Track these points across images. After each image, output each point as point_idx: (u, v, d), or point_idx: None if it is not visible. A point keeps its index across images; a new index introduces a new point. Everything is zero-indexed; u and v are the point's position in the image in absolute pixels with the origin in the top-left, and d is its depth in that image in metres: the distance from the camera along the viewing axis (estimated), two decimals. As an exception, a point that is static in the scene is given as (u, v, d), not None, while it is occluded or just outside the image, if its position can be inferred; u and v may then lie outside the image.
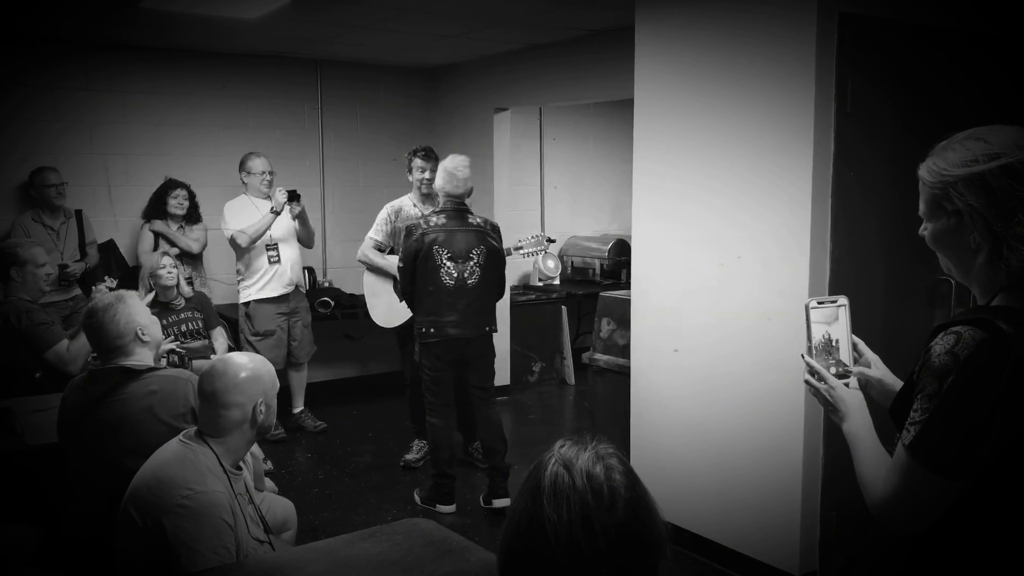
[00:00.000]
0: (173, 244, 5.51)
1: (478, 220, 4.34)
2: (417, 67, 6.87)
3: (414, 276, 4.26)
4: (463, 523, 4.23)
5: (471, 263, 4.25)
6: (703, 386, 3.77)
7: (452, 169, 4.25)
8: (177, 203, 5.59)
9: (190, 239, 5.63)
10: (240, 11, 4.71)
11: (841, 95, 3.27)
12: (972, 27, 3.56)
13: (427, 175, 4.89)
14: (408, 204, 5.00)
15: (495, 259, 4.36)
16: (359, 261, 5.08)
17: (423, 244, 4.20)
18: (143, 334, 2.85)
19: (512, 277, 6.88)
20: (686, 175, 3.78)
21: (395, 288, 4.94)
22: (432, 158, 4.92)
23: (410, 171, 4.96)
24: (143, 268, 4.92)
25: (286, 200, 5.25)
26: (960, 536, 1.43)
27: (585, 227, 7.73)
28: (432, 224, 4.23)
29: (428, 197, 4.96)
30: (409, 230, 4.30)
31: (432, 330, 4.25)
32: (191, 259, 5.61)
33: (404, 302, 4.54)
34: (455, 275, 4.23)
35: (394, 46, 5.93)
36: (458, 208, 4.27)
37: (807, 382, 1.68)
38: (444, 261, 4.21)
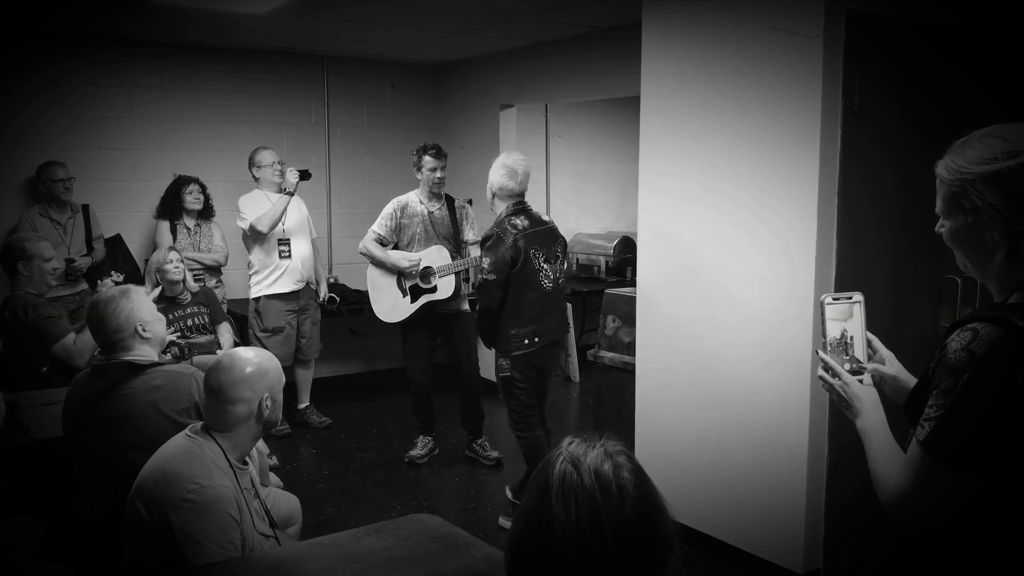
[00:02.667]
0: (203, 265, 5.50)
1: (543, 215, 4.25)
2: (423, 63, 6.87)
3: (508, 286, 4.02)
4: (468, 519, 4.24)
5: (557, 262, 4.16)
6: (708, 384, 3.77)
7: (512, 165, 4.08)
8: (193, 198, 5.59)
9: (214, 253, 5.63)
10: (248, 6, 4.71)
11: (848, 93, 3.26)
12: (976, 24, 3.55)
13: (439, 174, 4.83)
14: (415, 200, 4.93)
15: (566, 253, 4.30)
16: (360, 254, 5.03)
17: (519, 250, 3.99)
18: (143, 330, 2.84)
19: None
20: (692, 172, 3.78)
21: (399, 282, 4.91)
22: (443, 156, 4.86)
23: (419, 168, 4.86)
24: (149, 263, 4.93)
25: (298, 180, 5.24)
26: (971, 529, 1.43)
27: (590, 224, 7.72)
28: (520, 227, 4.02)
29: (436, 196, 4.94)
30: (498, 237, 4.01)
31: (536, 339, 4.08)
32: (214, 270, 5.63)
33: (482, 321, 4.17)
34: (551, 277, 4.11)
35: (400, 42, 5.93)
36: (526, 207, 4.13)
37: (821, 378, 1.68)
38: (541, 264, 4.06)
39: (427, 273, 4.86)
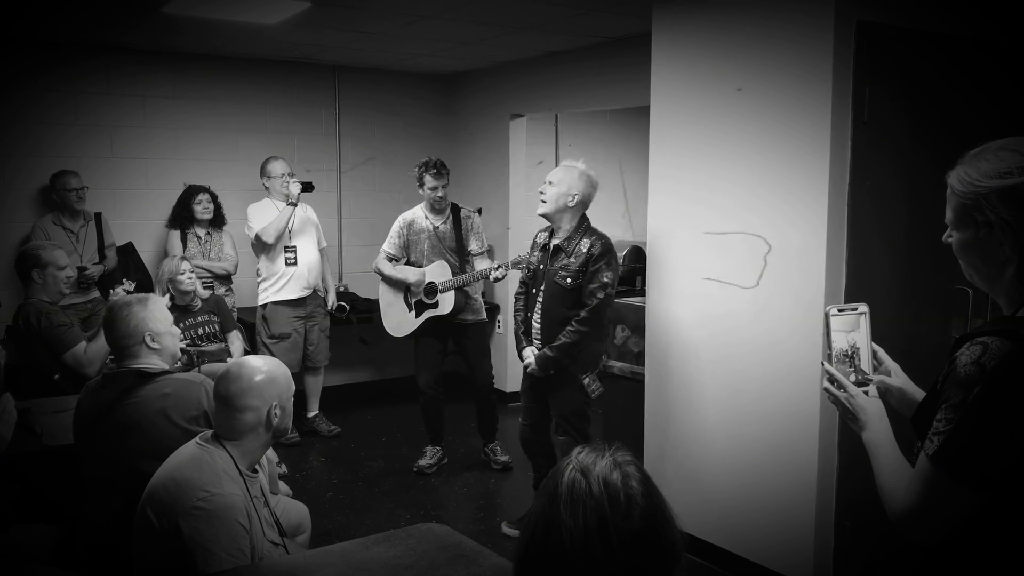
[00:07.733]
0: (212, 273, 5.52)
1: None
2: (434, 73, 6.90)
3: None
4: (477, 529, 4.23)
5: None
6: (717, 394, 3.76)
7: (595, 176, 3.97)
8: (202, 207, 5.63)
9: (224, 262, 5.65)
10: (260, 16, 4.75)
11: (858, 103, 3.27)
12: (985, 34, 3.55)
13: (439, 192, 4.83)
14: (420, 216, 4.96)
15: None
16: (375, 272, 5.09)
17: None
18: (152, 340, 2.85)
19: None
20: (702, 183, 3.78)
21: (406, 297, 4.94)
22: (444, 174, 4.83)
23: (421, 185, 4.87)
24: (161, 272, 4.95)
25: (300, 191, 5.29)
26: (976, 542, 1.42)
27: (600, 233, 7.70)
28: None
29: (439, 211, 4.94)
30: (611, 250, 3.87)
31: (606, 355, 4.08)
32: (224, 278, 5.65)
33: (596, 339, 3.89)
34: None
35: (412, 52, 5.95)
36: None
37: (826, 390, 1.67)
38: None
39: (431, 289, 4.88)
